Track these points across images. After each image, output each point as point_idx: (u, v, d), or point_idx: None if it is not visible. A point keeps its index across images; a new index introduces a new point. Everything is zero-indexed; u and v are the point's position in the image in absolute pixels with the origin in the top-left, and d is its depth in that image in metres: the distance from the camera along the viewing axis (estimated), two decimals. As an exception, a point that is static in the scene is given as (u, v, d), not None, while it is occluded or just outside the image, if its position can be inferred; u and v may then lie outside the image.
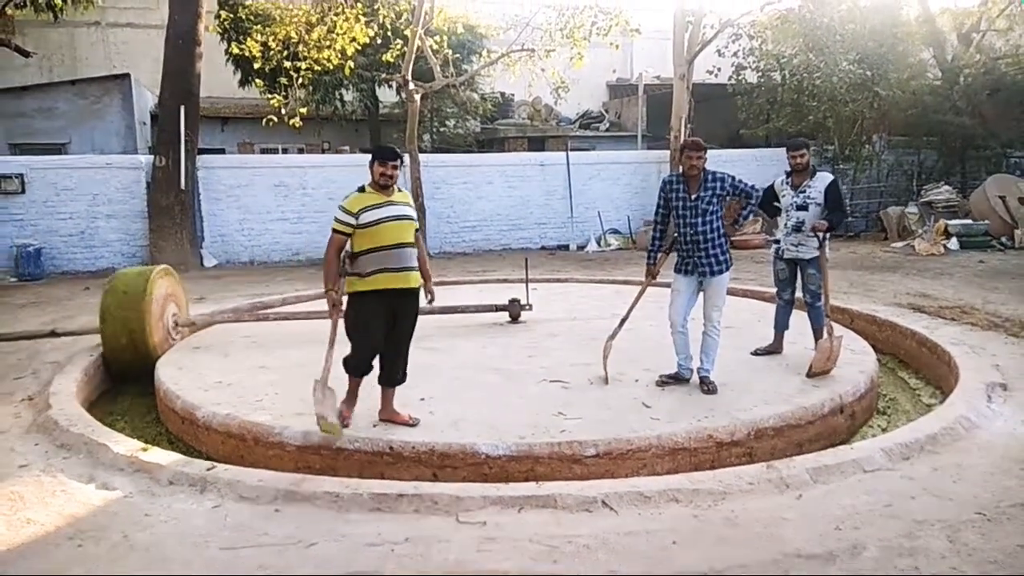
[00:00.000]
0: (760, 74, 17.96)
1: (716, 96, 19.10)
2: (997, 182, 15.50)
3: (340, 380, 4.74)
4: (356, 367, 4.75)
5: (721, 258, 5.42)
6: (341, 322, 4.72)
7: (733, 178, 5.43)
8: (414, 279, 4.73)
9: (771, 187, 6.43)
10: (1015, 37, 19.59)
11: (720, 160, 16.83)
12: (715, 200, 5.36)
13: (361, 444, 4.50)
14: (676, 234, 5.55)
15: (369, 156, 4.83)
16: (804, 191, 6.09)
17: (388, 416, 4.80)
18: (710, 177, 5.37)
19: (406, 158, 14.92)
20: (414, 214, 4.83)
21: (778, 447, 4.75)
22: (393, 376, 4.82)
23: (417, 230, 4.84)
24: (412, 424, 4.72)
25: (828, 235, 6.00)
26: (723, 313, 5.55)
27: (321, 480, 4.06)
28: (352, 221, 4.58)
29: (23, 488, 4.09)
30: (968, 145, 17.80)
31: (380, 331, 4.67)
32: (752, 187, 5.53)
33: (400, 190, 4.86)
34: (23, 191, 13.15)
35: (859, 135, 17.17)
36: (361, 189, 4.71)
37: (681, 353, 5.55)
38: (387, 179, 4.66)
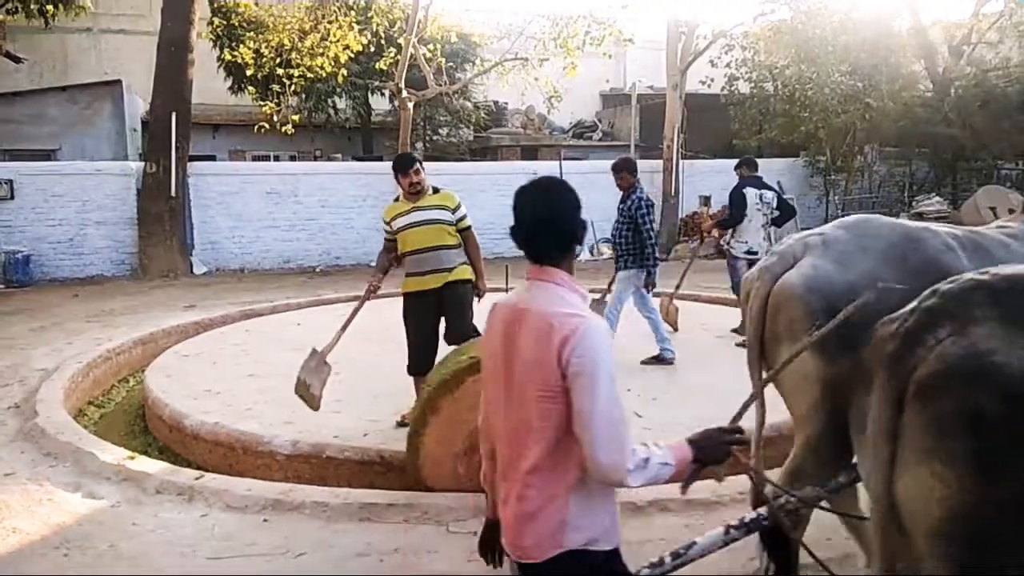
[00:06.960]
0: (753, 85, 18.05)
1: (709, 106, 19.16)
2: (988, 194, 15.55)
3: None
4: (408, 364, 4.89)
5: (623, 259, 6.46)
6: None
7: (640, 208, 6.22)
8: (442, 279, 4.75)
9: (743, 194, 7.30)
10: (1005, 50, 19.70)
11: (713, 170, 16.89)
12: (625, 211, 6.32)
13: (351, 454, 4.47)
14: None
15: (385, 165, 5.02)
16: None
17: None
18: (634, 193, 6.30)
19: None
20: (445, 216, 4.82)
21: (772, 457, 4.72)
22: None
23: (465, 229, 4.92)
24: None
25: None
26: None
27: (310, 489, 4.04)
28: (387, 229, 4.84)
29: (9, 497, 4.05)
30: (959, 157, 17.89)
31: (417, 331, 4.81)
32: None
33: (438, 191, 4.92)
34: (12, 197, 13.03)
35: (851, 146, 17.25)
36: (396, 199, 4.94)
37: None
38: (415, 187, 4.75)
